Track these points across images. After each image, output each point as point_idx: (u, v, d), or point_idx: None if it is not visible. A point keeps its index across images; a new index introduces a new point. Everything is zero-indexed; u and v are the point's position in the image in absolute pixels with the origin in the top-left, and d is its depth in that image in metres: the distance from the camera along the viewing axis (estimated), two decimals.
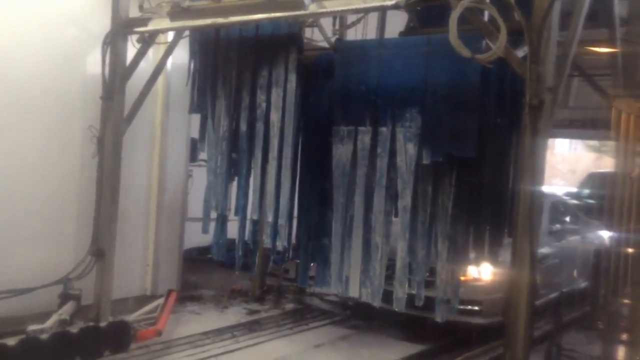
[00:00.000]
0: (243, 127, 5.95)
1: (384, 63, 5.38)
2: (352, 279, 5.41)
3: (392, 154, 5.23)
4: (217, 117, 6.09)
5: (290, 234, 5.88)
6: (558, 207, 8.23)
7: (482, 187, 5.15)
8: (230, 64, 6.03)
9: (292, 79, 5.64)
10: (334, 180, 5.53)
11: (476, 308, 6.19)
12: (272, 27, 5.77)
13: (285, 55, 5.68)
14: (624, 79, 6.23)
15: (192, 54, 6.28)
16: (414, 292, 5.33)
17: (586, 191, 12.17)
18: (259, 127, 5.82)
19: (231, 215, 6.36)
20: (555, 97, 4.32)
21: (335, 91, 5.61)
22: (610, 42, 6.32)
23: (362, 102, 5.41)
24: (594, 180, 12.62)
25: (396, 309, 5.33)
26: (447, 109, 5.01)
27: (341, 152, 5.48)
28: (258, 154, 5.85)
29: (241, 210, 6.20)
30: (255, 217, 5.94)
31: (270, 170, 5.76)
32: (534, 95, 4.07)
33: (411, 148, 5.11)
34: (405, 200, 5.15)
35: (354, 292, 5.41)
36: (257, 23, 5.64)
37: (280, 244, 5.82)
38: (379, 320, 6.61)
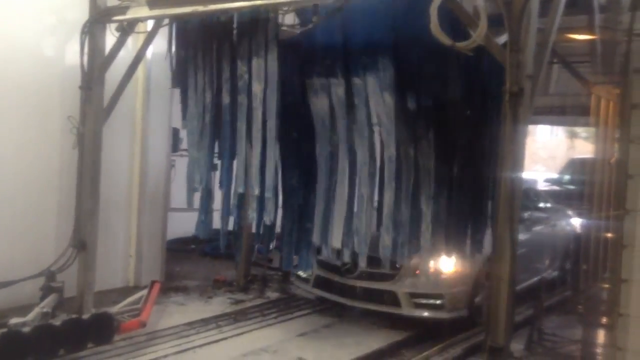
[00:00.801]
0: (226, 99, 5.78)
1: (353, 16, 5.33)
2: (336, 229, 5.44)
3: (369, 104, 5.25)
4: (198, 90, 5.93)
5: (276, 208, 5.77)
6: (528, 194, 7.93)
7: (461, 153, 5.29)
8: (210, 37, 5.88)
9: (273, 48, 5.47)
10: (316, 135, 5.53)
11: (438, 302, 6.03)
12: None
13: (265, 26, 5.51)
14: (602, 65, 6.29)
15: (172, 29, 6.10)
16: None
17: (567, 177, 12.25)
18: (242, 99, 5.65)
19: (216, 205, 6.30)
20: (534, 84, 4.37)
21: (307, 47, 5.59)
22: (589, 29, 6.37)
23: (333, 54, 5.39)
24: (575, 166, 12.66)
25: (381, 257, 5.42)
26: (421, 55, 5.08)
27: (317, 105, 5.48)
28: (242, 126, 5.68)
29: (226, 184, 6.08)
30: (240, 191, 5.80)
31: (255, 143, 5.60)
32: (514, 82, 4.10)
33: (388, 97, 5.13)
34: (390, 151, 5.20)
35: (336, 242, 5.46)
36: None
37: (268, 219, 5.68)
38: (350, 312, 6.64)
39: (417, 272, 6.02)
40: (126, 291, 6.85)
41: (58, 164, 6.42)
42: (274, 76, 5.51)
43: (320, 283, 6.64)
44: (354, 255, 5.62)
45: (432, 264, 5.99)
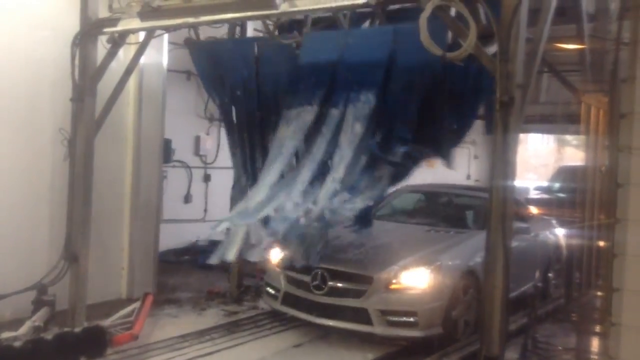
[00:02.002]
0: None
1: (348, 49, 5.48)
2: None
3: (336, 133, 5.34)
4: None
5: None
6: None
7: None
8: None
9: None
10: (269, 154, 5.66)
11: (411, 319, 5.60)
12: None
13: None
14: (592, 74, 6.35)
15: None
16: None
17: (557, 185, 12.21)
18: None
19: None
20: (525, 93, 4.40)
21: (298, 77, 5.73)
22: (578, 39, 6.43)
23: (317, 84, 5.54)
24: (564, 174, 12.58)
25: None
26: (406, 95, 5.16)
27: (282, 132, 5.60)
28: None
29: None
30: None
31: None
32: (504, 92, 4.13)
33: (358, 127, 5.22)
34: (337, 173, 5.20)
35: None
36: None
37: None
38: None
39: (390, 287, 5.70)
40: (118, 304, 6.79)
41: (49, 176, 6.39)
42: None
43: (288, 300, 6.22)
44: (324, 273, 5.60)
45: (405, 278, 5.72)
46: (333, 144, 5.34)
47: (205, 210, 10.20)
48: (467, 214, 7.34)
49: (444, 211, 7.63)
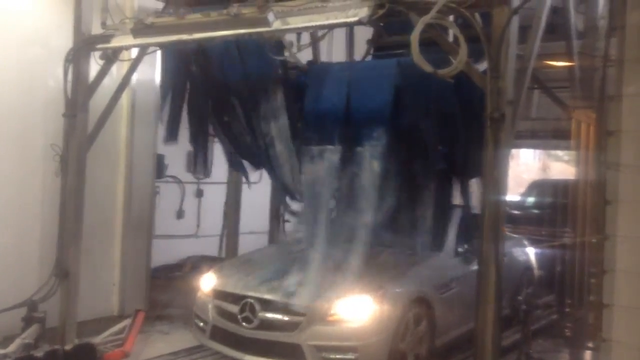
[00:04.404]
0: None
1: (353, 85, 5.60)
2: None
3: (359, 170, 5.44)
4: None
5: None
6: (473, 222, 6.22)
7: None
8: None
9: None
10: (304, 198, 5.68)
11: (351, 356, 4.91)
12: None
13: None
14: (581, 90, 6.40)
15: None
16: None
17: (530, 199, 11.78)
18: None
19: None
20: (515, 109, 4.44)
21: (307, 112, 5.78)
22: (567, 55, 6.49)
23: (332, 122, 5.60)
24: (537, 188, 12.00)
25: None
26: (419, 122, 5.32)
27: (311, 171, 5.60)
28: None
29: None
30: None
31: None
32: (495, 108, 4.16)
33: (376, 165, 5.28)
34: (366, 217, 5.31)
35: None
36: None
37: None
38: None
39: (327, 318, 5.00)
40: (110, 320, 6.74)
41: (40, 191, 6.36)
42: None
43: (217, 334, 5.49)
44: (253, 304, 5.12)
45: (343, 308, 5.02)
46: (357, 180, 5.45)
47: (198, 226, 10.16)
48: (424, 234, 6.16)
49: (399, 230, 6.49)
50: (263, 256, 6.48)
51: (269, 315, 5.13)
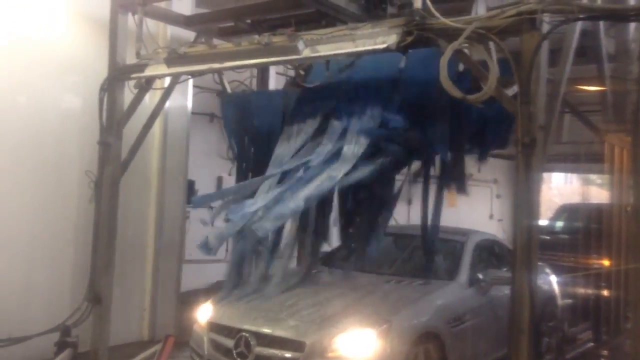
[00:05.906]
0: None
1: (357, 68, 5.65)
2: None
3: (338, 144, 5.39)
4: None
5: None
6: (490, 249, 6.42)
7: None
8: None
9: None
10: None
11: None
12: None
13: None
14: (614, 114, 6.32)
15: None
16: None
17: (559, 224, 11.44)
18: None
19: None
20: (547, 134, 4.40)
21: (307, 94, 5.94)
22: (599, 79, 6.43)
23: (325, 100, 5.72)
24: (567, 212, 11.53)
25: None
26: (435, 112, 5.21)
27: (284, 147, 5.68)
28: None
29: None
30: None
31: None
32: (526, 133, 4.12)
33: (363, 139, 5.23)
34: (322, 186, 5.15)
35: None
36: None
37: None
38: None
39: (327, 354, 4.55)
40: (140, 345, 6.77)
41: (74, 217, 6.49)
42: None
43: None
44: (248, 338, 4.76)
45: (344, 343, 4.56)
46: (335, 154, 5.30)
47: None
48: (435, 261, 5.81)
49: (409, 258, 6.26)
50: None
51: (265, 350, 4.72)
